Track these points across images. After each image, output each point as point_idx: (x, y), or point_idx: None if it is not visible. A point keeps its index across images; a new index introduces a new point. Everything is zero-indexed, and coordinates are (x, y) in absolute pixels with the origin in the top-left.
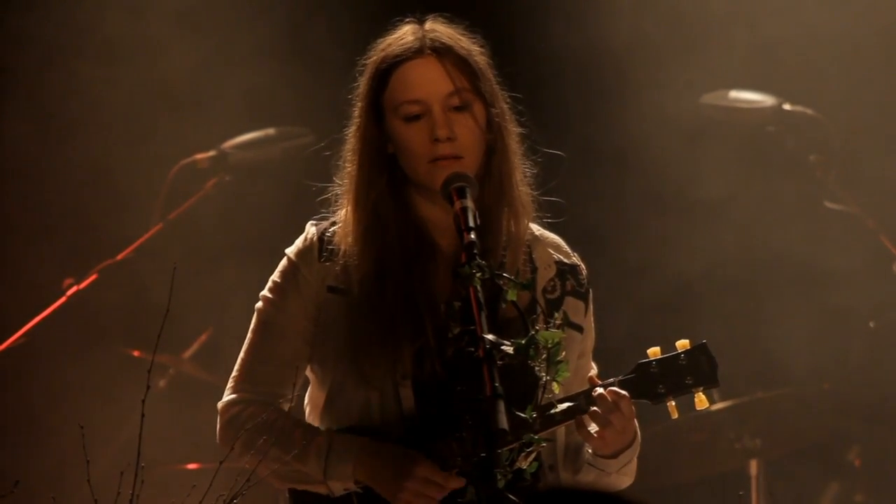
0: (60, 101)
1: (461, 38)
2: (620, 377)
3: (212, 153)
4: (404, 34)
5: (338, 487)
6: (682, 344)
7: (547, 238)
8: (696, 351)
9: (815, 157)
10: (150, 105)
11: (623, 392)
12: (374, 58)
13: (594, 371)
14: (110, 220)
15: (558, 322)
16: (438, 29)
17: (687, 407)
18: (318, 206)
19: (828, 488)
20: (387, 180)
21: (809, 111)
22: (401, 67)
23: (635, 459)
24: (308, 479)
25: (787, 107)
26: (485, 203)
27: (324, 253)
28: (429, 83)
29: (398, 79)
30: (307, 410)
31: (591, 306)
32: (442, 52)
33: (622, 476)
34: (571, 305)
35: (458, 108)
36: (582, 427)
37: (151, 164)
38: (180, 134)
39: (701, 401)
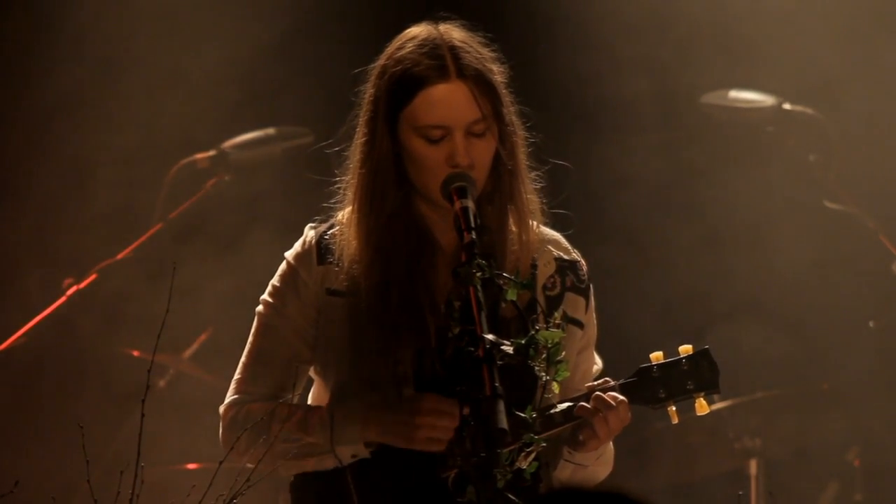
0: (60, 101)
1: (482, 53)
2: (622, 381)
3: (212, 153)
4: (424, 44)
5: (346, 454)
6: (685, 349)
7: (546, 235)
8: (699, 356)
9: (814, 157)
10: (150, 105)
11: (622, 397)
12: (391, 65)
13: (599, 366)
14: (109, 220)
15: (557, 321)
16: (459, 42)
17: (687, 409)
18: (318, 207)
19: (828, 488)
20: (397, 190)
21: (809, 111)
22: (427, 89)
23: (611, 446)
24: (316, 451)
25: (787, 107)
26: (493, 211)
27: (322, 256)
28: (455, 110)
29: (424, 101)
30: None
31: (591, 301)
32: (470, 78)
33: (599, 466)
34: (572, 301)
35: (479, 135)
36: (583, 426)
37: (151, 163)
38: (180, 133)
39: (701, 406)
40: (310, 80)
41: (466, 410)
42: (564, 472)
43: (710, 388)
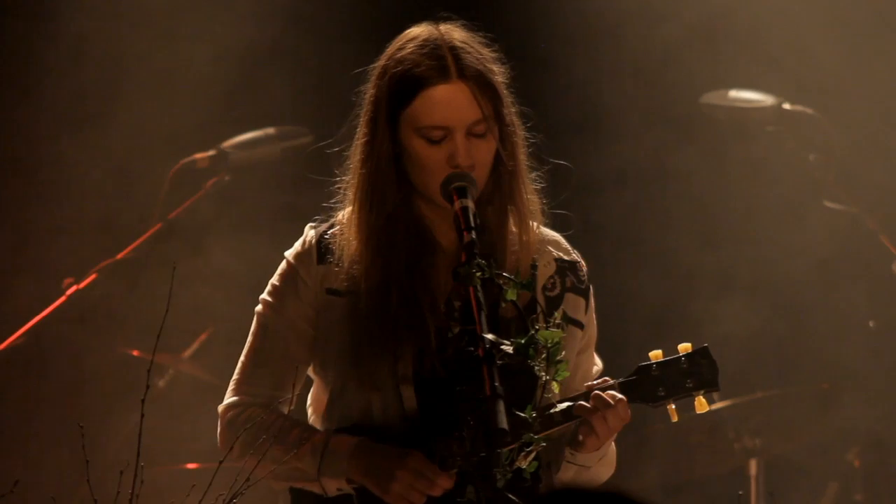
0: (60, 101)
1: (483, 54)
2: (621, 379)
3: (211, 153)
4: (424, 45)
5: (331, 486)
6: (684, 347)
7: (546, 235)
8: (698, 354)
9: (814, 157)
10: (150, 104)
11: (620, 395)
12: (391, 65)
13: (599, 367)
14: (110, 220)
15: (557, 320)
16: (460, 42)
17: (687, 407)
18: (317, 207)
19: (828, 488)
20: (397, 190)
21: (809, 111)
22: (428, 90)
23: (613, 447)
24: (303, 477)
25: (787, 107)
26: (493, 212)
27: (322, 256)
28: (456, 111)
29: (425, 101)
30: (310, 411)
31: (591, 302)
32: (471, 78)
33: (602, 467)
34: (571, 302)
35: (479, 135)
36: (582, 424)
37: (150, 163)
38: (180, 133)
39: (701, 404)
40: (310, 80)
41: (450, 483)
42: (567, 474)
43: (709, 386)
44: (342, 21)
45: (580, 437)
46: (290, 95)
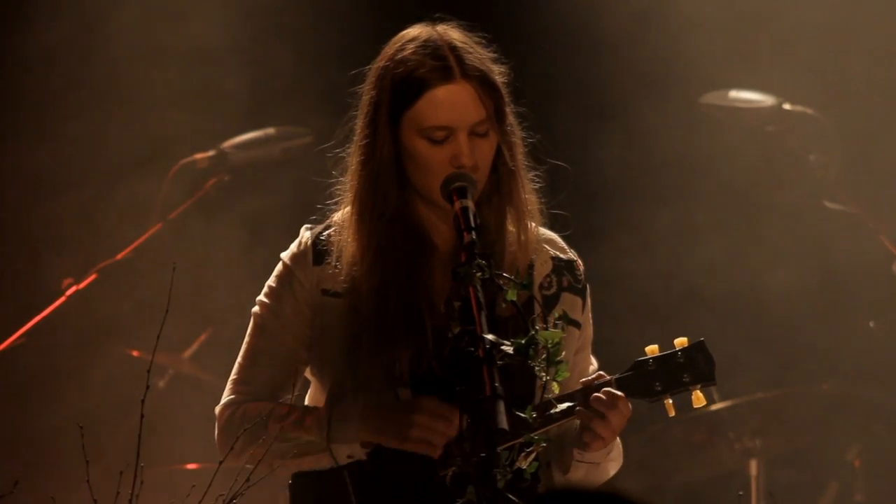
0: (59, 101)
1: (483, 54)
2: (618, 375)
3: (211, 153)
4: (426, 45)
5: (341, 454)
6: (681, 342)
7: (543, 235)
8: (694, 349)
9: (815, 157)
10: (149, 104)
11: (619, 393)
12: (392, 67)
13: (594, 367)
14: (110, 220)
15: (556, 318)
16: (460, 43)
17: (686, 406)
18: (315, 208)
19: (828, 488)
20: (398, 191)
21: (809, 111)
22: (432, 91)
23: (619, 441)
24: (312, 450)
25: (787, 107)
26: (492, 212)
27: (318, 257)
28: (459, 111)
29: (429, 102)
30: None
31: (588, 302)
32: (474, 78)
33: (610, 462)
34: (568, 301)
35: (482, 135)
36: (585, 428)
37: (151, 163)
38: (180, 133)
39: (698, 398)
40: (310, 79)
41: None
42: (578, 473)
43: (706, 380)
44: (341, 20)
45: (585, 440)
46: (291, 95)
